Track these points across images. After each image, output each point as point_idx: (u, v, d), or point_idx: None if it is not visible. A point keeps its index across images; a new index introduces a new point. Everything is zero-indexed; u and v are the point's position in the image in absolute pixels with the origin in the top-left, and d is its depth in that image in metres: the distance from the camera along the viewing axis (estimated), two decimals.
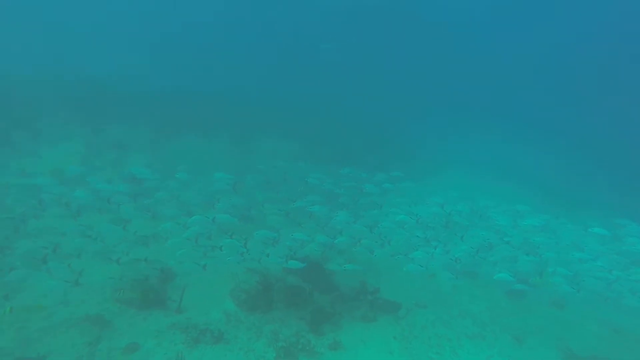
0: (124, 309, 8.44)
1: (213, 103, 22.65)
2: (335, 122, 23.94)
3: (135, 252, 9.72)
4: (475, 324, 10.16)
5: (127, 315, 8.33)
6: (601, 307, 11.28)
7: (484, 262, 10.57)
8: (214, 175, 11.41)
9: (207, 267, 8.56)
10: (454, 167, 21.99)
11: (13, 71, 19.63)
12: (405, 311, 10.22)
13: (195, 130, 18.11)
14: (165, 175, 11.49)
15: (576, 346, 9.77)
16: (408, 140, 24.73)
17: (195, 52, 37.70)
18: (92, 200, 9.77)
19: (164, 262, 9.79)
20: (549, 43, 47.57)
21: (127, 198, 9.83)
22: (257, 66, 36.65)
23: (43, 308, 7.89)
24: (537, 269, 10.87)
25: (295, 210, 11.25)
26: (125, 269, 9.11)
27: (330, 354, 8.30)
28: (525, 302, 11.38)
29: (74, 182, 11.20)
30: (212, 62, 35.90)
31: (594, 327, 10.77)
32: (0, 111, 15.41)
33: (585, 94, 44.99)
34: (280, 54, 41.77)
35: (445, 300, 11.01)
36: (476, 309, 10.80)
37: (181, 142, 17.06)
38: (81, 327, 7.86)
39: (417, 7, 42.78)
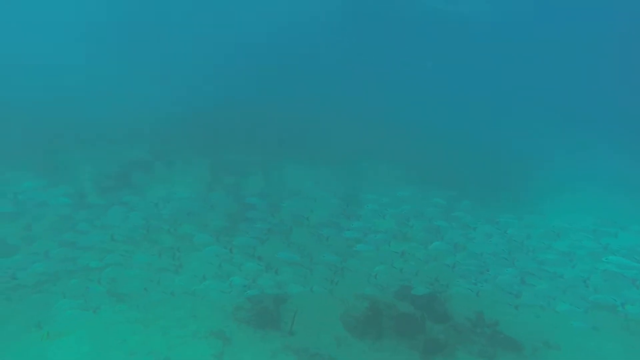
0: (243, 327, 9.03)
1: (317, 123, 23.46)
2: (435, 141, 22.88)
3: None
4: None
5: (246, 333, 8.89)
6: None
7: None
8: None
9: (317, 292, 8.76)
10: (579, 185, 19.26)
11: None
12: (531, 351, 9.04)
13: (303, 153, 18.93)
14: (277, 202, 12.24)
15: None
16: (519, 157, 22.44)
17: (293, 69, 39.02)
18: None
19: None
20: None
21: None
22: (358, 84, 36.89)
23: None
24: None
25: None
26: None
27: None
28: None
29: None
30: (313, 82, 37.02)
31: None
32: (140, 143, 18.23)
33: None
34: (378, 73, 41.35)
35: (584, 344, 9.44)
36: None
37: (290, 166, 17.92)
38: (208, 340, 8.63)
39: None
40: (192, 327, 8.80)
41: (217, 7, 43.87)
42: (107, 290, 9.31)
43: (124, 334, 8.49)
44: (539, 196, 18.25)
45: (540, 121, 30.68)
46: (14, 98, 21.52)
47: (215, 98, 26.77)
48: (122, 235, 10.69)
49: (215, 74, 34.82)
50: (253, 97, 28.43)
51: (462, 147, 22.35)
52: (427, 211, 12.41)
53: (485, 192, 17.02)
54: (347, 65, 40.07)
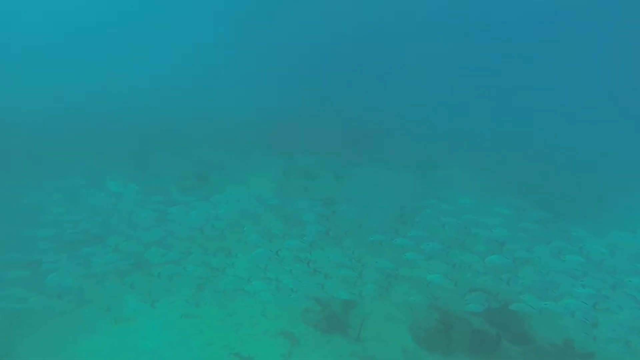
0: (311, 330, 9.18)
1: (393, 128, 23.15)
2: (514, 148, 21.33)
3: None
4: None
5: (314, 336, 9.03)
6: None
7: None
8: None
9: (387, 300, 8.63)
10: None
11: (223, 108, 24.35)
12: None
13: (378, 157, 18.75)
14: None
15: None
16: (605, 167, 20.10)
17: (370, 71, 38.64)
18: None
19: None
20: None
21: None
22: (436, 90, 35.59)
23: None
24: None
25: None
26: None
27: None
28: None
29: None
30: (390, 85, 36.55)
31: None
32: (218, 145, 19.35)
33: None
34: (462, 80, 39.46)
35: None
36: None
37: (364, 171, 17.83)
38: (277, 339, 8.91)
39: None
40: (262, 326, 9.16)
41: (296, 10, 44.46)
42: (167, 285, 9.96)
43: (200, 326, 9.10)
44: (630, 211, 16.17)
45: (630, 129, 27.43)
46: (104, 105, 24.33)
47: (292, 101, 27.60)
48: (183, 233, 11.52)
49: (292, 77, 35.88)
50: (330, 101, 28.84)
51: (541, 155, 20.74)
52: (490, 221, 11.62)
53: (562, 204, 15.43)
54: (427, 71, 38.94)
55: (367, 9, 42.19)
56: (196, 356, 8.38)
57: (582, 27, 37.79)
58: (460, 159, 19.28)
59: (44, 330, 8.74)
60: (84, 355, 8.23)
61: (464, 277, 10.49)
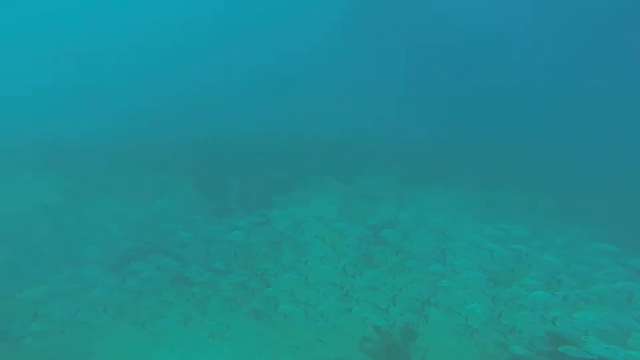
0: (367, 359, 8.50)
1: (454, 147, 22.49)
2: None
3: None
4: None
5: None
6: None
7: None
8: None
9: (454, 334, 7.87)
10: None
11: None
12: None
13: (437, 177, 18.07)
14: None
15: None
16: None
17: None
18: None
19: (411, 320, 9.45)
20: None
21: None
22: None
23: None
24: None
25: None
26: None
27: None
28: None
29: None
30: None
31: None
32: (280, 164, 19.31)
33: None
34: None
35: None
36: None
37: (424, 191, 17.11)
38: None
39: None
40: (319, 351, 8.63)
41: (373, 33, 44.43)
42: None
43: (259, 347, 8.86)
44: None
45: None
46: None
47: (357, 121, 27.59)
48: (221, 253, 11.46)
49: (360, 97, 35.72)
50: (398, 121, 28.42)
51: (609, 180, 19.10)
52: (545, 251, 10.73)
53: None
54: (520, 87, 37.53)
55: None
56: None
57: None
58: (524, 181, 18.08)
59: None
60: None
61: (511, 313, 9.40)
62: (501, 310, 9.12)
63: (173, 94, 34.49)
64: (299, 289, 10.10)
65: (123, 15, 48.46)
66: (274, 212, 13.11)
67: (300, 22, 47.38)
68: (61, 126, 24.97)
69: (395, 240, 11.42)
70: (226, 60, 44.72)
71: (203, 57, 44.49)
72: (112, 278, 10.14)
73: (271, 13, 47.68)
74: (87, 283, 9.92)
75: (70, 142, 21.91)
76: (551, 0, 37.71)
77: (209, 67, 42.48)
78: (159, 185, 16.79)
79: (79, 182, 16.74)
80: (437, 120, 29.07)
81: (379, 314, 8.77)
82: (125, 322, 9.56)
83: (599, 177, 18.99)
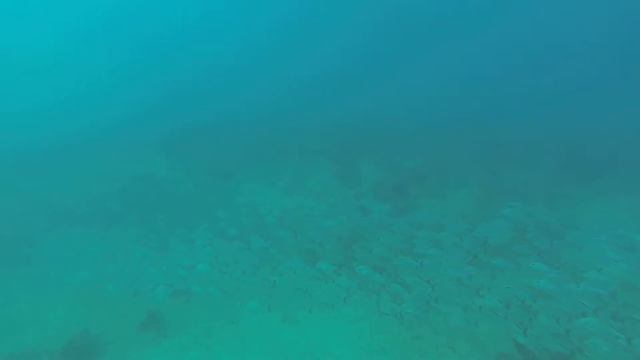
0: None
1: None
2: None
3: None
4: None
5: None
6: None
7: None
8: None
9: None
10: None
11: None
12: None
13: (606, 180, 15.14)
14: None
15: None
16: None
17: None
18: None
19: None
20: None
21: None
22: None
23: None
24: None
25: None
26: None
27: None
28: None
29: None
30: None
31: None
32: (415, 152, 19.10)
33: None
34: None
35: None
36: None
37: (586, 190, 14.62)
38: None
39: None
40: (449, 358, 8.63)
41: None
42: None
43: (385, 343, 9.28)
44: None
45: None
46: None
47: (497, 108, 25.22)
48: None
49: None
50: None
51: None
52: None
53: None
54: None
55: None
56: None
57: None
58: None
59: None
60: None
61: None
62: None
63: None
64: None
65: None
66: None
67: None
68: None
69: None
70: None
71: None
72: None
73: None
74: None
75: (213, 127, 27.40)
76: None
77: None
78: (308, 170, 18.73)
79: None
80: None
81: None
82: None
83: None
